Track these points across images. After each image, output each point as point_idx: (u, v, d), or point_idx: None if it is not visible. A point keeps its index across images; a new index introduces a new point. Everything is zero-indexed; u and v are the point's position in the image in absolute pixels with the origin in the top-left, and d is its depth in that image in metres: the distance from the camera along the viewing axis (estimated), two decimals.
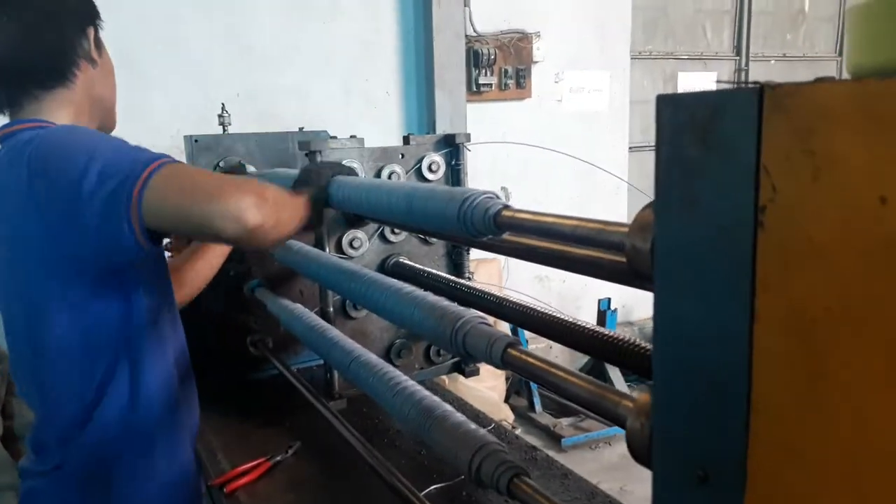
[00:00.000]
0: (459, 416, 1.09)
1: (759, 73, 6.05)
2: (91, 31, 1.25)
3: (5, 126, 1.21)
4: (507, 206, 0.91)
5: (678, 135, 0.47)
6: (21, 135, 1.15)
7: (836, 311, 0.38)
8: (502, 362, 0.92)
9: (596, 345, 1.04)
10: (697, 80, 5.82)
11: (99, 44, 1.27)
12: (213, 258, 1.71)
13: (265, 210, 0.97)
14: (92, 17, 1.26)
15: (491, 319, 1.19)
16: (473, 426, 1.05)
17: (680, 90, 5.73)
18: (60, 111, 1.21)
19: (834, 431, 0.40)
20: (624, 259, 0.69)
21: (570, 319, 1.14)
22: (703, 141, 0.45)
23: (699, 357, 0.48)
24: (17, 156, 1.09)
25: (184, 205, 0.98)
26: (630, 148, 5.43)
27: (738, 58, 6.05)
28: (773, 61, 6.22)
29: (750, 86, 0.41)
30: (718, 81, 5.76)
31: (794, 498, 0.42)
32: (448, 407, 1.14)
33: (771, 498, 0.44)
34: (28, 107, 1.21)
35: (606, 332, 1.03)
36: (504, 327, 4.32)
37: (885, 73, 0.44)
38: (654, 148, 0.49)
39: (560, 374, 0.82)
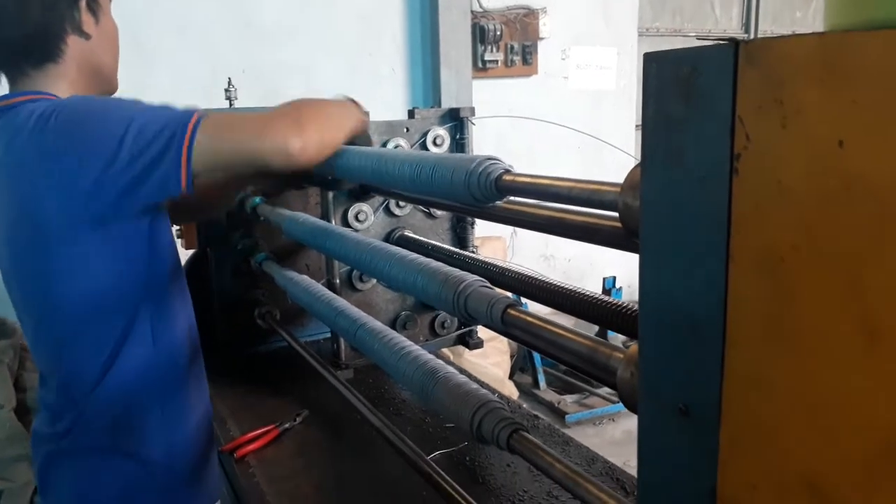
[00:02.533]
0: (462, 378, 1.13)
1: None
2: (83, 2, 1.23)
3: (4, 97, 1.22)
4: (507, 170, 0.93)
5: (662, 91, 0.50)
6: (27, 106, 1.16)
7: (802, 248, 0.41)
8: (502, 322, 0.95)
9: (597, 312, 1.07)
10: None
11: (96, 12, 1.26)
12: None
13: (306, 136, 1.09)
14: None
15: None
16: (475, 386, 1.08)
17: None
18: (54, 85, 1.22)
19: (800, 363, 0.43)
20: (619, 224, 0.72)
21: (572, 287, 1.17)
22: (684, 95, 0.48)
23: (680, 301, 0.51)
24: (34, 127, 1.11)
25: (230, 152, 1.10)
26: (637, 126, 5.43)
27: (746, 35, 6.02)
28: None
29: (725, 41, 0.44)
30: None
31: (763, 427, 0.46)
32: (451, 369, 1.18)
33: (742, 427, 0.47)
34: (21, 83, 1.22)
35: (608, 300, 1.06)
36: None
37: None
38: None
39: (557, 331, 0.86)
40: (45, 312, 1.21)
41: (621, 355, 0.73)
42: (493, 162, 0.95)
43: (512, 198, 0.95)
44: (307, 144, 1.09)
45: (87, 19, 1.24)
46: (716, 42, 0.45)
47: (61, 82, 1.23)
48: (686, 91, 0.48)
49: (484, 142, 4.46)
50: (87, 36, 1.24)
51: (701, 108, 0.47)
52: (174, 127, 1.06)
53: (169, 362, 1.29)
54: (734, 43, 0.44)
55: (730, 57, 0.44)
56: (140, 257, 1.20)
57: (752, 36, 5.98)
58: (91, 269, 1.15)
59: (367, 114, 1.39)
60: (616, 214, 0.72)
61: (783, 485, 0.45)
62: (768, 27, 6.09)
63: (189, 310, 1.41)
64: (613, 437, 4.16)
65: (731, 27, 5.97)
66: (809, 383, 0.42)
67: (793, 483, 0.44)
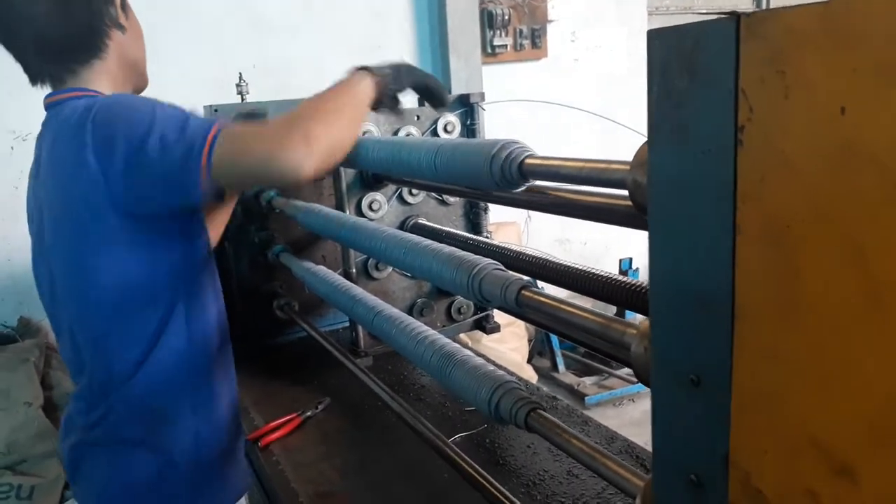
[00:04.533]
0: (478, 360, 1.15)
1: None
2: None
3: (53, 94, 1.26)
4: (530, 154, 0.93)
5: (666, 67, 0.51)
6: (72, 102, 1.19)
7: (806, 215, 0.42)
8: (517, 304, 0.96)
9: (613, 292, 1.07)
10: None
11: (125, 7, 1.30)
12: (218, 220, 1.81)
13: (317, 155, 1.09)
14: None
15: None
16: (492, 367, 1.10)
17: None
18: (99, 81, 1.26)
19: (807, 330, 0.44)
20: (630, 203, 0.73)
21: (587, 268, 1.18)
22: (688, 70, 0.49)
23: (689, 274, 0.52)
24: (77, 122, 1.14)
25: (244, 168, 1.11)
26: None
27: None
28: None
29: (727, 15, 0.44)
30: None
31: (773, 394, 0.47)
32: (468, 352, 1.19)
33: (752, 395, 0.48)
34: (67, 80, 1.25)
35: (622, 279, 1.06)
36: None
37: None
38: None
39: (571, 310, 0.87)
40: (85, 305, 1.24)
41: (634, 331, 0.74)
42: (516, 146, 0.94)
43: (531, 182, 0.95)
44: (318, 163, 1.09)
45: (122, 17, 1.28)
46: (717, 16, 0.45)
47: (104, 78, 1.27)
48: (689, 66, 0.48)
49: (495, 127, 4.41)
50: (123, 29, 1.28)
51: (704, 82, 0.47)
52: (194, 136, 1.08)
53: (202, 352, 1.32)
54: (735, 16, 0.45)
55: (731, 30, 0.45)
56: (174, 251, 1.23)
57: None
58: (127, 262, 1.18)
59: (386, 70, 1.29)
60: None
61: (792, 448, 0.45)
62: (781, 2, 6.00)
63: (220, 299, 1.43)
64: (633, 417, 4.17)
65: (742, 3, 5.89)
66: (816, 349, 0.43)
67: (802, 446, 0.45)
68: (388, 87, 1.26)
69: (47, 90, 1.29)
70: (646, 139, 0.55)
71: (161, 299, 1.24)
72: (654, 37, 0.51)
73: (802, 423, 0.45)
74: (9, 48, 1.23)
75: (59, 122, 1.19)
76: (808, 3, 0.41)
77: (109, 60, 1.27)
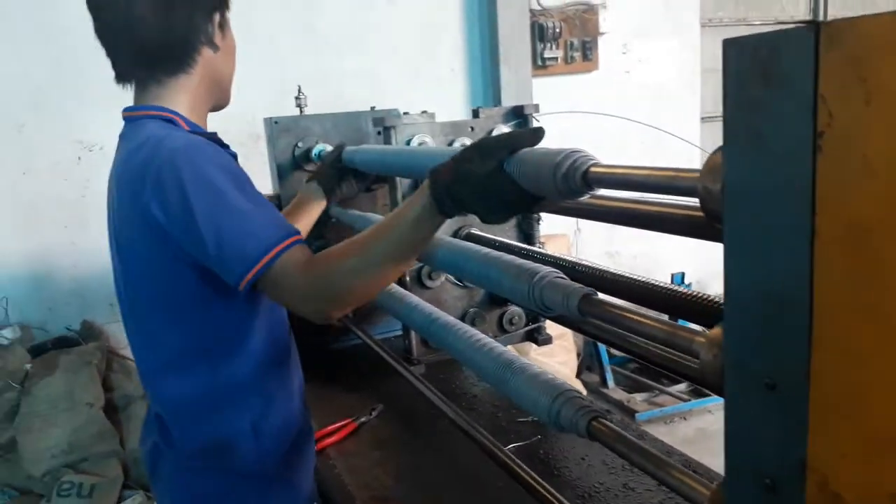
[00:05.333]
0: (537, 368, 1.16)
1: None
2: (217, 16, 1.29)
3: (131, 108, 1.30)
4: (595, 163, 0.92)
5: (742, 75, 0.51)
6: (150, 125, 1.23)
7: (888, 220, 0.42)
8: (579, 311, 0.97)
9: (672, 302, 1.07)
10: None
11: (224, 26, 1.33)
12: (313, 213, 1.90)
13: (350, 305, 1.17)
14: (216, 4, 1.30)
15: None
16: (551, 375, 1.10)
17: None
18: (179, 97, 1.28)
19: (888, 332, 0.44)
20: (698, 212, 0.73)
21: (644, 279, 1.18)
22: (764, 78, 0.49)
23: (765, 279, 0.52)
24: (140, 163, 1.17)
25: (278, 298, 1.20)
26: (702, 118, 5.32)
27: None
28: None
29: (805, 24, 0.45)
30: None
31: (853, 396, 0.47)
32: (526, 360, 1.20)
33: (832, 398, 0.48)
34: (150, 89, 1.28)
35: (682, 290, 1.06)
36: None
37: None
38: None
39: (636, 317, 0.87)
40: (151, 328, 1.30)
41: (703, 339, 0.74)
42: (580, 154, 0.93)
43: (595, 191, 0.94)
44: (346, 310, 1.20)
45: (218, 35, 1.31)
46: (795, 25, 0.46)
47: (186, 93, 1.29)
48: (766, 74, 0.49)
49: (545, 139, 4.45)
50: (216, 48, 1.30)
51: (782, 90, 0.48)
52: (249, 251, 1.10)
53: (272, 361, 1.35)
54: (815, 25, 0.45)
55: (810, 39, 0.46)
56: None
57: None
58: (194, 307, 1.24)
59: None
60: (692, 203, 0.73)
61: (875, 451, 0.46)
62: (838, 12, 5.87)
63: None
64: (686, 435, 4.09)
65: (798, 14, 5.78)
66: None
67: (885, 449, 0.45)
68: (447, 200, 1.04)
69: (125, 96, 1.32)
70: (698, 148, 0.56)
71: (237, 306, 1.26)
72: (731, 45, 0.52)
73: (885, 426, 0.45)
74: (104, 44, 1.27)
75: (136, 143, 1.21)
76: (883, 13, 0.42)
77: (195, 76, 1.29)
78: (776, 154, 0.49)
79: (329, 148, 2.28)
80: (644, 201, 1.01)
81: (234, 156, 1.29)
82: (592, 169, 0.88)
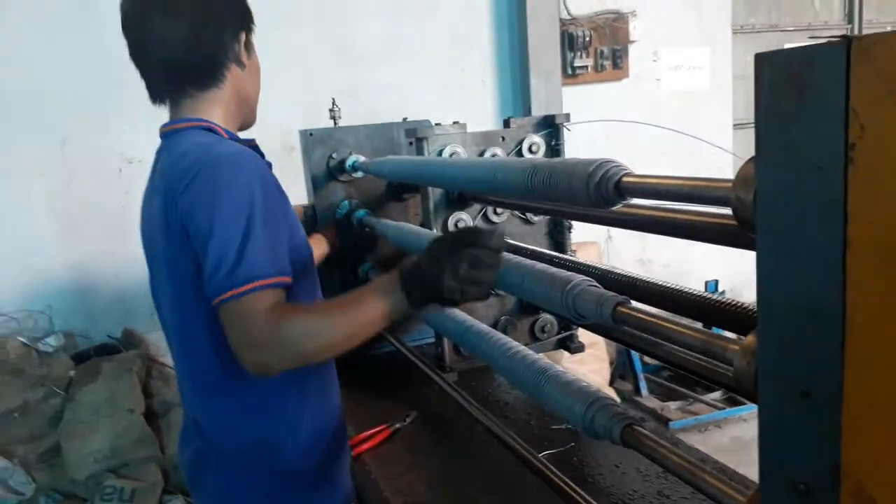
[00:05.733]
0: (570, 376, 1.17)
1: None
2: (243, 36, 1.36)
3: (168, 124, 1.36)
4: (628, 172, 0.94)
5: (775, 88, 0.53)
6: (191, 136, 1.28)
7: None
8: (613, 319, 0.98)
9: (704, 309, 1.07)
10: None
11: (249, 46, 1.39)
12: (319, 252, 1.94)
13: (292, 364, 1.13)
14: (245, 21, 1.37)
15: None
16: (585, 383, 1.12)
17: None
18: (213, 110, 1.34)
19: None
20: (729, 220, 0.74)
21: (677, 286, 1.19)
22: (797, 91, 0.51)
23: (798, 288, 0.54)
24: (187, 167, 1.20)
25: (227, 332, 1.13)
26: (734, 125, 5.26)
27: (850, 26, 5.72)
28: (888, 27, 5.84)
29: (836, 39, 0.47)
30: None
31: (887, 404, 0.48)
32: (559, 368, 1.22)
33: (865, 406, 0.49)
34: (184, 104, 1.34)
35: (714, 298, 1.07)
36: None
37: None
38: None
39: (670, 325, 0.88)
40: (190, 339, 1.33)
41: (737, 346, 0.75)
42: (613, 164, 0.95)
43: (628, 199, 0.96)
44: (283, 371, 1.15)
45: (245, 53, 1.37)
46: (827, 40, 0.48)
47: (218, 107, 1.35)
48: (798, 87, 0.51)
49: (575, 148, 4.42)
50: (242, 66, 1.37)
51: (814, 103, 0.50)
52: (230, 280, 1.11)
53: (307, 370, 1.38)
54: (847, 40, 0.47)
55: (842, 54, 0.47)
56: None
57: (856, 27, 5.68)
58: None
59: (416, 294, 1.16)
60: (724, 211, 0.74)
61: None
62: (873, 16, 5.76)
63: None
64: (721, 443, 4.04)
65: (832, 19, 5.70)
66: None
67: None
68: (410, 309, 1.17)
69: (163, 112, 1.37)
70: (731, 154, 0.57)
71: None
72: (764, 59, 0.53)
73: None
74: (137, 65, 1.34)
75: (177, 154, 1.25)
76: None
77: (225, 91, 1.35)
78: (808, 166, 0.51)
79: (363, 159, 2.32)
80: (676, 209, 1.02)
81: (270, 165, 1.33)
82: (625, 179, 0.90)
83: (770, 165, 0.54)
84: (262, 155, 1.36)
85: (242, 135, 1.43)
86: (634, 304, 0.98)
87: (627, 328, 1.02)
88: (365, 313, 1.15)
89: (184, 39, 1.28)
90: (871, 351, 0.48)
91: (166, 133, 1.35)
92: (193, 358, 1.35)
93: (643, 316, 0.93)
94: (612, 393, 4.31)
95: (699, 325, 0.97)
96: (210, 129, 1.32)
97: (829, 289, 0.51)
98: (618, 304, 0.98)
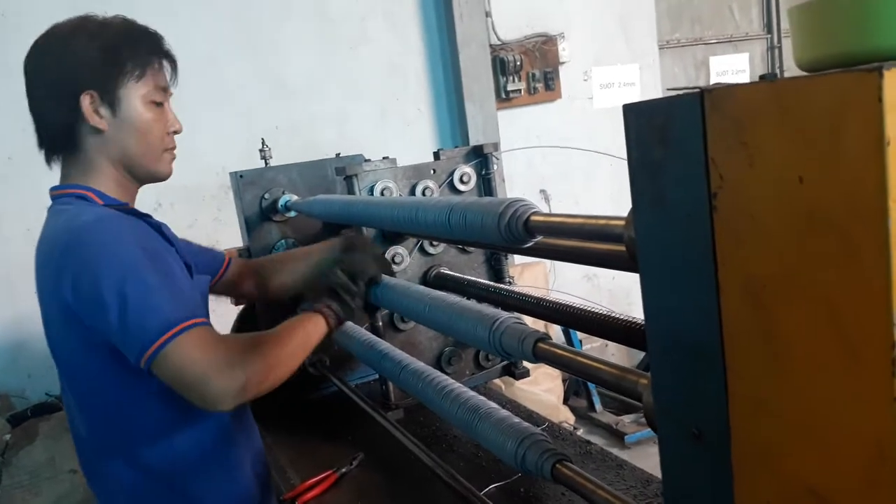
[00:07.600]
0: (504, 412, 1.16)
1: None
2: (86, 99, 1.23)
3: (54, 188, 1.33)
4: (535, 212, 0.95)
5: (642, 139, 0.54)
6: (65, 203, 1.26)
7: (778, 275, 0.44)
8: (534, 356, 0.99)
9: (633, 335, 1.09)
10: (729, 63, 5.76)
11: (113, 105, 1.26)
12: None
13: (248, 394, 1.12)
14: (95, 82, 1.24)
15: (535, 321, 1.26)
16: (517, 420, 1.11)
17: (713, 75, 5.70)
18: (90, 175, 1.29)
19: (793, 384, 0.46)
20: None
21: (604, 311, 1.20)
22: (661, 142, 0.52)
23: (680, 330, 0.54)
24: (54, 244, 1.20)
25: (172, 381, 1.11)
26: None
27: (769, 36, 5.96)
28: None
29: (692, 91, 0.48)
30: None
31: (770, 447, 0.48)
32: (493, 404, 1.21)
33: (751, 448, 0.50)
34: (64, 169, 1.32)
35: (642, 322, 1.08)
36: (556, 330, 4.32)
37: (821, 68, 0.50)
38: None
39: (585, 361, 0.89)
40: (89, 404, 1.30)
41: (646, 381, 0.76)
42: (521, 204, 0.96)
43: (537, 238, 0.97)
44: (242, 401, 1.13)
45: (94, 117, 1.25)
46: (684, 92, 0.49)
47: (92, 172, 1.29)
48: (663, 138, 0.52)
49: (516, 171, 4.51)
50: (97, 131, 1.26)
51: (677, 153, 0.51)
52: (148, 334, 1.09)
53: (218, 427, 1.34)
54: (700, 92, 0.48)
55: (696, 105, 0.48)
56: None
57: (775, 36, 5.92)
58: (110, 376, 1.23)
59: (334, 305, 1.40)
60: None
61: (793, 500, 0.47)
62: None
63: None
64: None
65: (752, 30, 5.93)
66: (804, 402, 0.45)
67: (802, 497, 0.46)
68: (338, 322, 1.39)
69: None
70: None
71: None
72: (630, 111, 0.54)
73: (800, 475, 0.46)
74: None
75: (57, 223, 1.24)
76: (759, 81, 0.44)
77: (88, 156, 1.28)
78: (679, 213, 0.52)
79: (295, 197, 2.30)
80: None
81: (158, 225, 1.31)
82: (533, 218, 0.91)
83: (645, 213, 0.55)
84: (146, 216, 1.31)
85: (149, 188, 1.39)
86: (553, 340, 0.98)
87: (548, 364, 1.03)
88: (294, 328, 1.29)
89: (40, 105, 1.28)
90: (751, 393, 0.49)
91: (52, 197, 1.33)
92: (79, 435, 1.33)
93: (560, 352, 0.94)
94: (566, 411, 4.33)
95: (625, 349, 0.98)
96: (83, 197, 1.27)
97: (708, 331, 0.51)
98: (537, 341, 0.99)
